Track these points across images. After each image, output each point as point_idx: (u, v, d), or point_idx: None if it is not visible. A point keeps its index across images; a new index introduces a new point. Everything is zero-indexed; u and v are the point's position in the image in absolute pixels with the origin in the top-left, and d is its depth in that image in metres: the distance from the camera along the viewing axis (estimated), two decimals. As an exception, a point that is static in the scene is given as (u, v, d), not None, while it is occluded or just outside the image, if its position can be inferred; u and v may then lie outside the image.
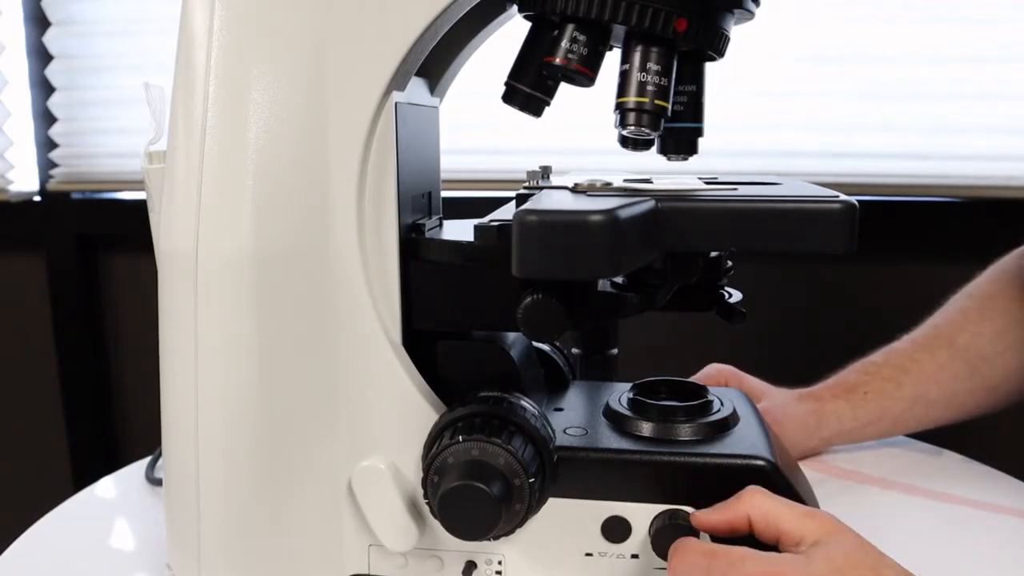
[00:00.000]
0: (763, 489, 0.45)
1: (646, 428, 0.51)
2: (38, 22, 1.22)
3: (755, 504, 0.44)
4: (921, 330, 0.75)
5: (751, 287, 0.59)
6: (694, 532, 0.47)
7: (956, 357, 0.71)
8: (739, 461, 0.48)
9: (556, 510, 0.49)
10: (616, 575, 0.50)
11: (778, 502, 0.44)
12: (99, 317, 1.33)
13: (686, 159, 0.54)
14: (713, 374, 0.73)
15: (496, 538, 0.46)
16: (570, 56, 0.48)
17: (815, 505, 0.50)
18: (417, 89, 0.54)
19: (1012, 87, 1.02)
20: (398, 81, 0.48)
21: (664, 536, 0.47)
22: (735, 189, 0.49)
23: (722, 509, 0.45)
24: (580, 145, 1.10)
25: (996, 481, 0.70)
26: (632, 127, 0.48)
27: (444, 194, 0.61)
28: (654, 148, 0.53)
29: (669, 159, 0.54)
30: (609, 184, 0.51)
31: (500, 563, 0.51)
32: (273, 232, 0.47)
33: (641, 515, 0.48)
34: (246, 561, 0.50)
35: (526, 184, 0.56)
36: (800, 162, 1.05)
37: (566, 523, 0.49)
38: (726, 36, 0.49)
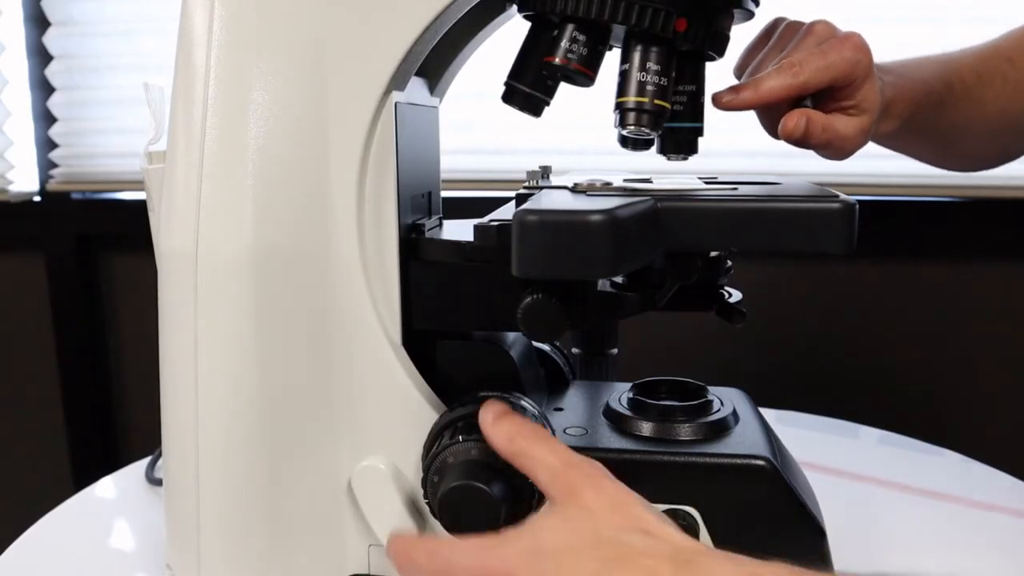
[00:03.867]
0: (545, 436, 0.43)
1: (646, 428, 0.51)
2: (38, 22, 1.22)
3: (511, 452, 0.43)
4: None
5: (751, 287, 0.59)
6: (695, 533, 0.47)
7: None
8: (739, 461, 0.48)
9: (556, 510, 0.49)
10: (616, 575, 0.49)
11: (545, 450, 0.42)
12: (99, 317, 1.33)
13: (686, 159, 0.54)
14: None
15: (496, 538, 0.46)
16: (570, 56, 0.48)
17: (815, 505, 0.50)
18: (417, 89, 0.54)
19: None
20: (398, 81, 0.48)
21: (664, 536, 0.47)
22: (735, 189, 0.49)
23: (500, 441, 0.43)
24: (580, 145, 1.10)
25: (996, 481, 0.70)
26: (632, 127, 0.48)
27: (444, 194, 0.61)
28: (654, 148, 0.53)
29: (669, 159, 0.54)
30: (609, 184, 0.51)
31: (500, 563, 0.51)
32: (273, 232, 0.47)
33: (641, 515, 0.48)
34: (246, 561, 0.50)
35: (526, 184, 0.56)
36: (800, 162, 1.05)
37: (566, 523, 0.49)
38: (726, 36, 0.49)
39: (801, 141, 0.53)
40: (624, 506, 0.39)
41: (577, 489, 0.40)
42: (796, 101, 0.54)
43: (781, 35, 0.58)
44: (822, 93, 0.54)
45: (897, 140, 0.65)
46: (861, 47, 0.53)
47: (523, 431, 0.43)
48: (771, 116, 0.55)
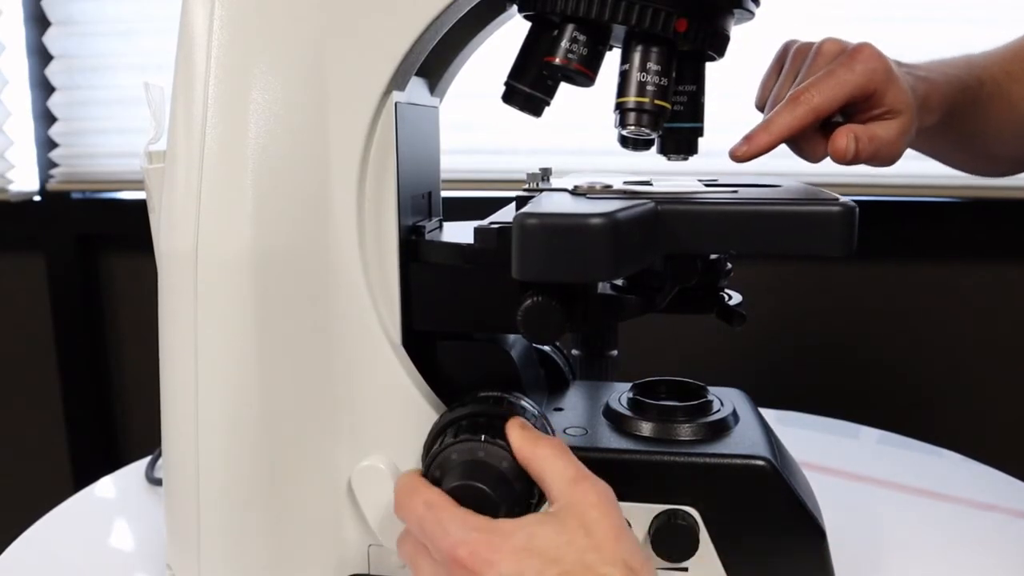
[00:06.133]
0: (557, 444, 0.44)
1: (646, 428, 0.51)
2: (38, 22, 1.21)
3: (531, 453, 0.43)
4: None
5: (751, 289, 0.59)
6: (695, 533, 0.47)
7: None
8: (739, 461, 0.48)
9: (556, 510, 0.49)
10: (616, 575, 0.49)
11: (562, 460, 0.43)
12: (99, 317, 1.33)
13: (686, 159, 0.54)
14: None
15: (496, 538, 0.46)
16: (570, 56, 0.48)
17: (815, 505, 0.50)
18: (417, 89, 0.54)
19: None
20: (398, 81, 0.48)
21: (664, 536, 0.48)
22: (735, 191, 0.49)
23: (522, 443, 0.44)
24: (580, 145, 1.10)
25: (996, 481, 0.70)
26: (632, 127, 0.48)
27: (444, 194, 0.61)
28: (654, 148, 0.53)
29: (669, 159, 0.54)
30: (609, 186, 0.51)
31: (500, 563, 0.51)
32: (273, 232, 0.47)
33: (641, 515, 0.48)
34: (246, 561, 0.50)
35: (526, 186, 0.56)
36: (800, 163, 1.04)
37: (566, 523, 0.49)
38: (726, 36, 0.49)
39: (852, 159, 0.52)
40: (621, 539, 0.40)
41: (584, 506, 0.41)
42: (824, 122, 0.53)
43: (792, 60, 0.58)
44: (850, 108, 0.53)
45: (936, 139, 0.64)
46: (872, 56, 0.52)
47: (546, 438, 0.45)
48: (798, 143, 0.55)
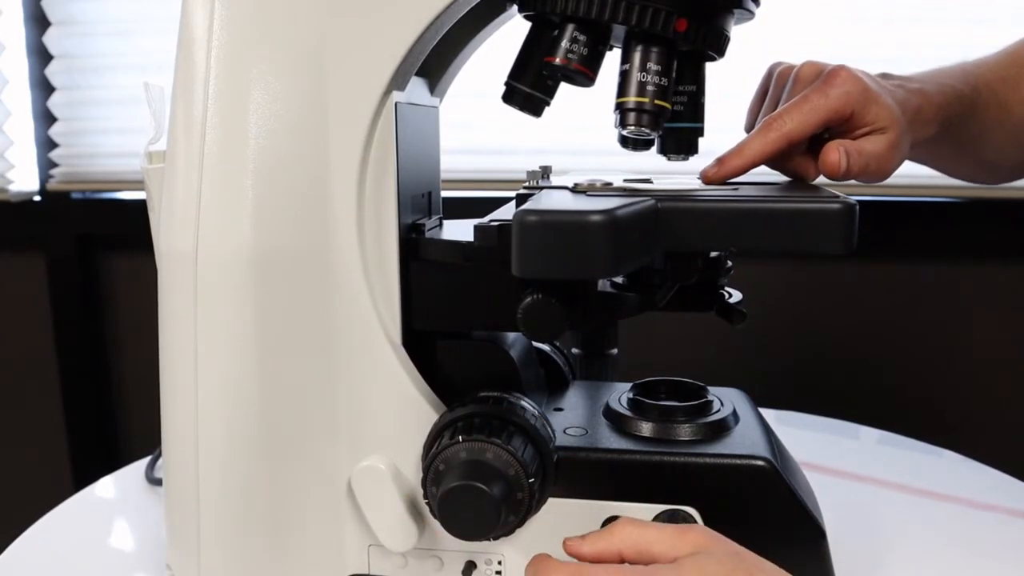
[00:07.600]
0: (633, 519, 0.42)
1: (646, 428, 0.51)
2: (38, 22, 1.22)
3: (625, 537, 0.41)
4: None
5: (751, 287, 0.59)
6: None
7: None
8: (739, 461, 0.48)
9: (556, 510, 0.49)
10: (616, 575, 0.50)
11: (648, 528, 0.41)
12: (99, 317, 1.33)
13: (686, 159, 0.54)
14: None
15: (496, 538, 0.46)
16: (570, 56, 0.48)
17: (815, 505, 0.50)
18: (417, 89, 0.54)
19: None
20: (398, 81, 0.48)
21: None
22: (735, 189, 0.49)
23: (593, 540, 0.42)
24: (580, 145, 1.10)
25: (996, 481, 0.70)
26: (632, 127, 0.48)
27: (444, 194, 0.61)
28: (654, 148, 0.53)
29: (669, 159, 0.54)
30: (609, 184, 0.51)
31: (500, 563, 0.51)
32: (273, 232, 0.47)
33: (641, 515, 0.48)
34: (246, 561, 0.50)
35: (526, 184, 0.56)
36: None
37: (566, 523, 0.49)
38: (726, 36, 0.49)
39: (843, 174, 0.52)
40: (749, 553, 0.40)
41: (709, 542, 0.40)
42: (815, 139, 0.53)
43: (775, 85, 0.58)
44: (831, 130, 0.53)
45: (935, 149, 0.64)
46: (847, 79, 0.52)
47: (622, 529, 0.41)
48: (786, 166, 0.55)
